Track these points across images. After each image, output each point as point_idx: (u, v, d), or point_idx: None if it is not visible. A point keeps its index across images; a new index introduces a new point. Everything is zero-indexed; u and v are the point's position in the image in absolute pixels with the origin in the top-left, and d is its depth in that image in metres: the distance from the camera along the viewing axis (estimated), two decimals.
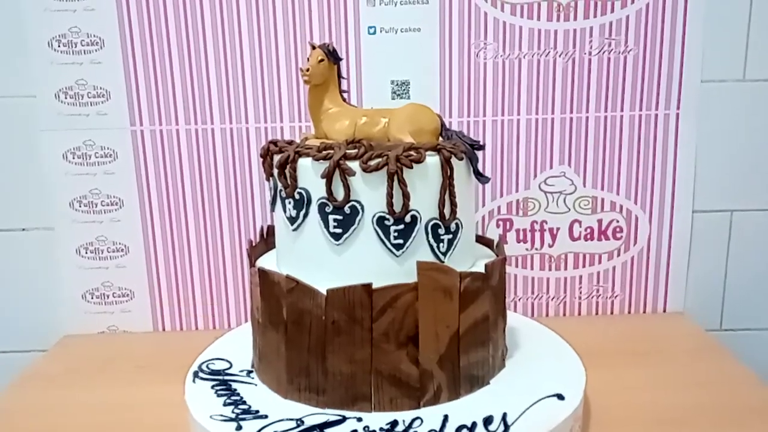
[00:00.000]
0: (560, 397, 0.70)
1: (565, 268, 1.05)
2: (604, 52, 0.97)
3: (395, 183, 0.67)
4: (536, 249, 1.04)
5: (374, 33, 0.96)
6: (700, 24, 0.96)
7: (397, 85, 0.98)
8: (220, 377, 0.77)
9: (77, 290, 1.04)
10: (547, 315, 1.07)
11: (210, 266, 1.04)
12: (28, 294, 1.04)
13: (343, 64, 0.95)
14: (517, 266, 1.05)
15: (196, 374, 0.78)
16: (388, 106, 0.98)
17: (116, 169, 1.00)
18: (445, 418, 0.67)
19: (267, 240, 0.85)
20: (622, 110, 0.99)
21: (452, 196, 0.70)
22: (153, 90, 0.98)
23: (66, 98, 0.97)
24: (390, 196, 0.67)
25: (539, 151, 1.01)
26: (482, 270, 0.71)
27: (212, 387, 0.75)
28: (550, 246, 1.04)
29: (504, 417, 0.66)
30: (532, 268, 1.05)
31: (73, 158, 0.99)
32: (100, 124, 0.98)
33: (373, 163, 0.67)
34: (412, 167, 0.67)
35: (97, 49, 0.96)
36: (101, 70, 0.97)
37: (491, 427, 0.65)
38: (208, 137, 0.99)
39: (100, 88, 0.97)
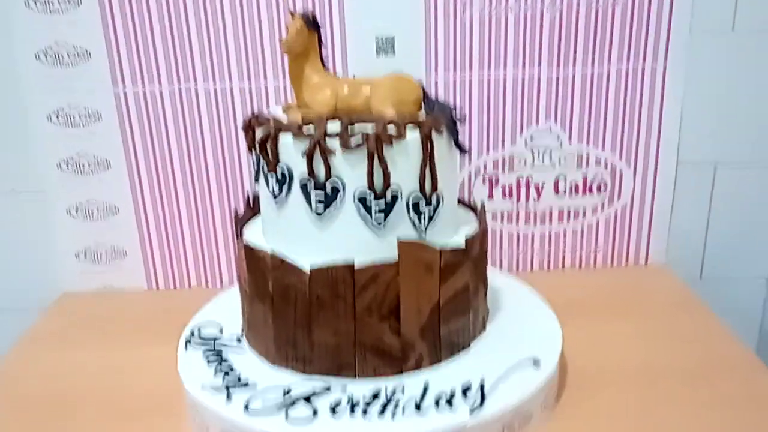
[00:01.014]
0: (536, 362, 0.73)
1: (550, 223, 1.07)
2: (591, 5, 0.95)
3: (375, 161, 0.67)
4: (522, 204, 1.05)
5: None
6: None
7: (381, 41, 0.96)
8: (211, 343, 0.80)
9: (71, 249, 1.06)
10: (531, 269, 1.09)
11: (200, 225, 1.05)
12: (24, 253, 1.06)
13: (326, 21, 0.94)
14: (502, 221, 1.06)
15: (188, 341, 0.81)
16: (373, 62, 0.97)
17: (101, 130, 1.00)
18: (426, 386, 0.70)
19: (253, 207, 0.86)
20: (609, 64, 0.98)
21: (433, 170, 0.70)
22: (134, 49, 0.96)
23: (46, 58, 0.96)
24: (371, 174, 0.67)
25: (525, 106, 1.00)
26: (462, 243, 0.73)
27: (203, 354, 0.78)
28: (536, 201, 1.05)
29: (481, 384, 0.69)
30: (517, 223, 1.06)
31: (58, 119, 0.99)
32: (82, 84, 0.97)
33: (353, 141, 0.67)
34: (392, 144, 0.67)
35: (73, 7, 0.94)
36: (79, 28, 0.95)
37: (469, 395, 0.68)
38: (192, 96, 0.99)
39: (80, 47, 0.96)
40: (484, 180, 1.04)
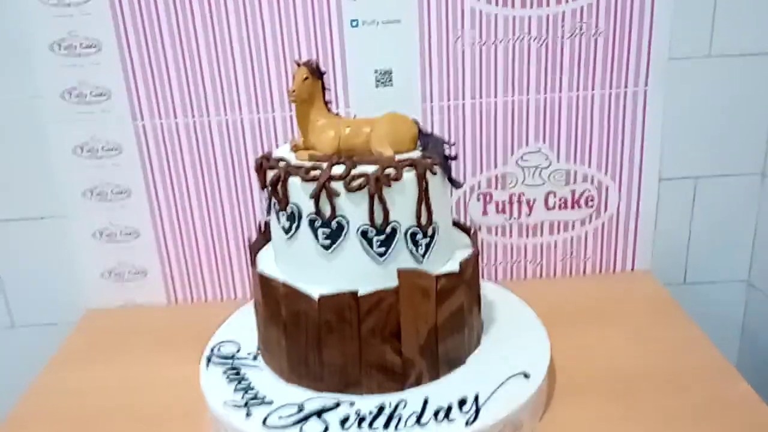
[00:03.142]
0: (526, 375, 0.81)
1: (542, 235, 1.14)
2: (575, 35, 1.02)
3: (376, 201, 0.75)
4: (515, 218, 1.13)
5: (357, 26, 1.01)
6: (667, 3, 1.01)
7: (380, 74, 1.04)
8: (230, 362, 0.88)
9: (96, 270, 1.14)
10: (525, 277, 1.17)
11: (215, 244, 1.13)
12: (53, 274, 1.14)
13: (328, 55, 1.02)
14: (497, 235, 1.14)
15: (209, 359, 0.89)
16: (373, 93, 1.04)
17: (122, 161, 1.07)
18: (426, 400, 0.78)
19: (265, 233, 0.93)
20: (593, 89, 1.05)
21: (428, 205, 0.78)
22: (151, 87, 1.04)
23: (71, 98, 1.03)
24: (371, 212, 0.75)
25: (516, 129, 1.07)
26: (456, 268, 0.80)
27: (224, 372, 0.86)
28: (528, 216, 1.13)
29: (476, 398, 0.77)
30: (511, 236, 1.14)
31: (82, 152, 1.07)
32: (104, 120, 1.05)
33: (355, 183, 0.75)
34: (390, 186, 0.75)
35: (95, 51, 1.01)
36: (101, 70, 1.02)
37: (465, 409, 0.76)
38: (205, 128, 1.06)
39: (102, 87, 1.03)
40: (478, 197, 1.11)
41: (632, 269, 1.17)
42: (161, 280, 1.15)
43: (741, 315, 1.21)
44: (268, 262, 0.86)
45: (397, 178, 0.75)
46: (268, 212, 0.84)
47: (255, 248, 0.90)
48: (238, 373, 0.85)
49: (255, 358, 0.88)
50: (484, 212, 1.12)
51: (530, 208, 1.12)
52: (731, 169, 1.11)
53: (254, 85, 1.04)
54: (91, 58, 1.02)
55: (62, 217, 1.11)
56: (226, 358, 0.89)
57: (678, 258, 1.17)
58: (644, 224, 1.14)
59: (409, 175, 0.76)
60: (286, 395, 0.80)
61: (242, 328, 0.94)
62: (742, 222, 1.14)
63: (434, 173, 0.78)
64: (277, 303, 0.80)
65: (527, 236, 1.14)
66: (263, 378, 0.84)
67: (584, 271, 1.17)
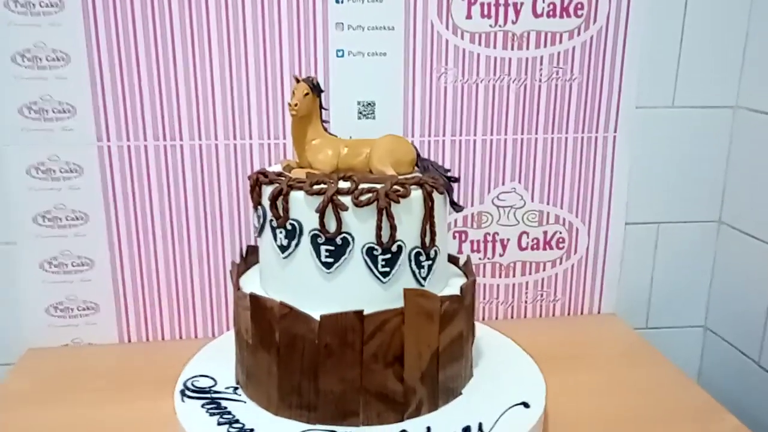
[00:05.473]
0: (526, 405, 0.79)
1: (514, 275, 1.14)
2: (552, 80, 1.06)
3: (384, 217, 0.72)
4: (488, 258, 1.12)
5: (342, 56, 1.01)
6: (636, 57, 1.06)
7: (363, 105, 1.03)
8: (208, 395, 0.80)
9: (41, 304, 1.04)
10: (496, 318, 1.15)
11: (177, 277, 1.06)
12: None
13: None
14: None
15: (183, 393, 0.81)
16: (355, 125, 1.03)
17: (81, 184, 1.00)
18: (428, 430, 0.74)
19: (246, 259, 0.88)
20: (567, 132, 1.08)
21: (432, 226, 0.76)
22: (121, 106, 0.98)
23: (30, 113, 0.96)
24: (379, 228, 0.72)
25: (493, 168, 1.08)
26: (458, 292, 0.78)
27: (202, 406, 0.78)
28: (501, 255, 1.13)
29: (480, 427, 0.74)
30: (484, 276, 1.13)
31: (37, 173, 0.98)
32: (65, 139, 0.98)
33: (364, 198, 0.72)
34: (399, 202, 0.73)
35: (63, 65, 0.95)
36: (67, 85, 0.96)
37: None
38: (176, 153, 1.01)
39: (66, 103, 0.97)
40: (454, 235, 1.11)
41: (599, 312, 1.18)
42: (113, 316, 1.06)
43: (698, 361, 1.23)
44: (253, 287, 0.81)
45: (406, 195, 0.73)
46: (260, 232, 0.79)
47: (237, 273, 0.85)
48: (218, 407, 0.78)
49: (235, 391, 0.81)
50: (459, 251, 1.11)
51: (504, 248, 1.12)
52: (690, 216, 1.16)
53: (233, 110, 1.00)
54: (58, 71, 0.96)
55: (8, 244, 1.01)
56: (202, 391, 0.81)
57: (641, 302, 1.19)
58: (611, 268, 1.16)
59: (417, 194, 0.75)
60: (276, 427, 0.74)
61: (215, 364, 0.87)
62: (699, 268, 1.19)
63: (440, 193, 0.76)
64: (270, 326, 0.75)
65: (500, 276, 1.14)
66: (248, 410, 0.77)
67: (553, 313, 1.17)
